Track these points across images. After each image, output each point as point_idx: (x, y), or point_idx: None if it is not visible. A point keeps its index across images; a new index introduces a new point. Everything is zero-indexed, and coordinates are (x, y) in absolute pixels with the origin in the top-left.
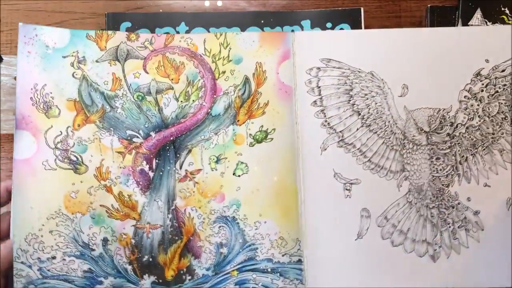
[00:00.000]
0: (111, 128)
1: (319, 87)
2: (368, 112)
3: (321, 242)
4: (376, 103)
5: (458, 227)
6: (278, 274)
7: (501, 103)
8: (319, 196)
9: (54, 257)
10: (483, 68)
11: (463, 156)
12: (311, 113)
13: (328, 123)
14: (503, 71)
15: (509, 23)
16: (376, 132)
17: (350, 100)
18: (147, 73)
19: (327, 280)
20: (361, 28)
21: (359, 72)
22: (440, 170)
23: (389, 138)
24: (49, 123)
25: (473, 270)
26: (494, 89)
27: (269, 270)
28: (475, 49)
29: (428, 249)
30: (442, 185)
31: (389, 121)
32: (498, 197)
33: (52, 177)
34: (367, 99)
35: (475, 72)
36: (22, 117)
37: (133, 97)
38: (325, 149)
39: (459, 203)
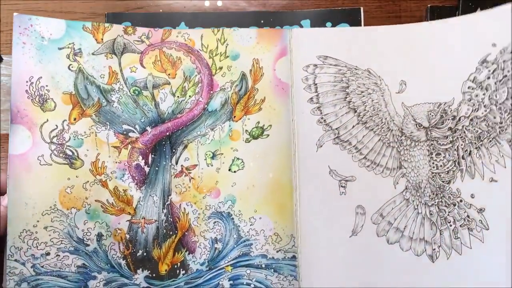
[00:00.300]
0: (107, 123)
1: (316, 84)
2: (365, 110)
3: (315, 239)
4: (372, 100)
5: (460, 225)
6: (272, 270)
7: (510, 88)
8: (314, 192)
9: (48, 253)
10: (490, 54)
11: (466, 150)
12: (307, 110)
13: (324, 120)
14: None
15: None
16: (372, 129)
17: (346, 98)
18: (143, 67)
19: (321, 277)
20: None
21: (356, 69)
22: (441, 166)
23: (386, 135)
24: (44, 117)
25: (475, 272)
26: (502, 73)
27: (263, 266)
28: (478, 36)
29: (426, 248)
30: (443, 181)
31: (386, 118)
32: (507, 192)
33: (47, 173)
34: (364, 96)
35: (481, 59)
36: (17, 110)
37: (129, 91)
38: (321, 146)
39: (461, 201)
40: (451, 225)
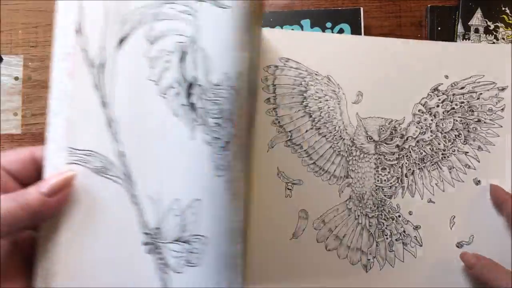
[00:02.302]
0: None
1: (275, 85)
2: (320, 115)
3: (257, 238)
4: (328, 107)
5: (396, 239)
6: None
7: (456, 121)
8: (260, 192)
9: None
10: (442, 84)
11: (409, 169)
12: (263, 110)
13: (279, 122)
14: (462, 88)
15: (509, 23)
16: (325, 136)
17: (303, 102)
18: None
19: (260, 278)
20: (360, 29)
21: (316, 75)
22: (385, 180)
23: (337, 143)
24: None
25: (405, 284)
26: (451, 105)
27: None
28: (435, 64)
29: (361, 257)
30: (385, 195)
31: (339, 127)
32: (442, 214)
33: None
34: (320, 102)
35: (433, 87)
36: None
37: None
38: (272, 147)
39: (399, 216)
40: (387, 238)
